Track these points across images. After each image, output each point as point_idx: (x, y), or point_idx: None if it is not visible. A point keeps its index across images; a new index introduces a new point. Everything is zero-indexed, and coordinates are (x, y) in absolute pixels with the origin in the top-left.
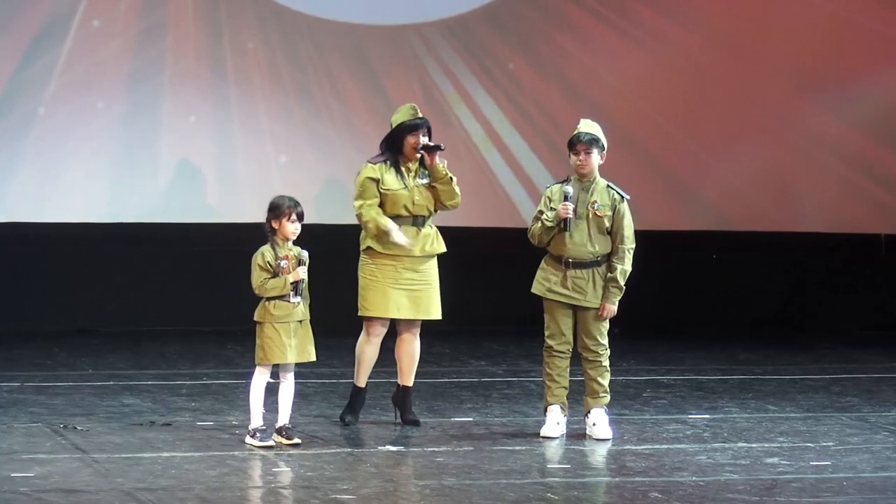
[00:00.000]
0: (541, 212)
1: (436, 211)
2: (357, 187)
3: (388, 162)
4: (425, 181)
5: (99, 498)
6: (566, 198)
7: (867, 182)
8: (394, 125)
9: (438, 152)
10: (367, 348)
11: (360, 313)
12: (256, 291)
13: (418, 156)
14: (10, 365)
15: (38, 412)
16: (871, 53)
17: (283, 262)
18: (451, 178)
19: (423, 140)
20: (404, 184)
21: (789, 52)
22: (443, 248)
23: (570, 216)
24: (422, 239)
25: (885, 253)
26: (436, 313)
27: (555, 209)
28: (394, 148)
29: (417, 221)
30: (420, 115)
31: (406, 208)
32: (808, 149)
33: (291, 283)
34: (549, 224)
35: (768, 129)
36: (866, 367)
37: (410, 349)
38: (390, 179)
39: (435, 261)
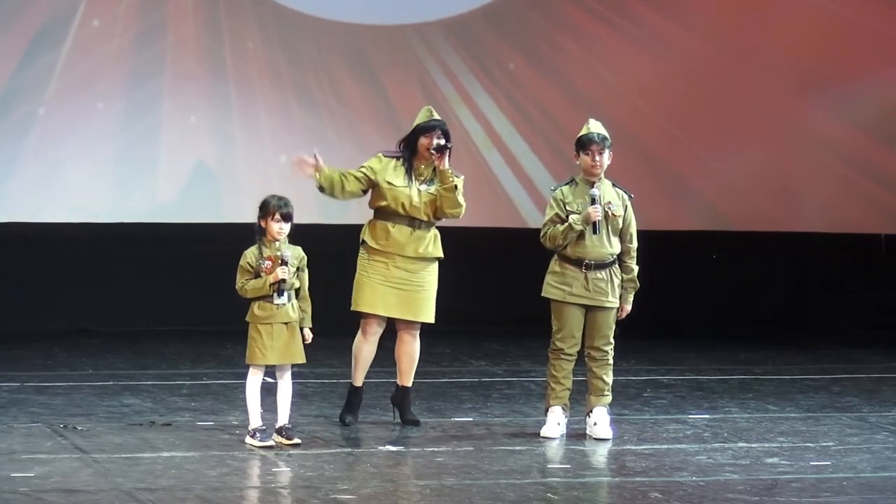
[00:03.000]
0: (557, 215)
1: (437, 218)
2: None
3: (402, 160)
4: (432, 188)
5: (99, 498)
6: (594, 201)
7: (867, 182)
8: (412, 127)
9: (448, 152)
10: (364, 347)
11: (351, 307)
12: (239, 292)
13: (432, 156)
14: (10, 365)
15: (38, 412)
16: (871, 53)
17: (265, 263)
18: (455, 186)
19: (437, 142)
20: (408, 183)
21: (790, 51)
22: (439, 253)
23: (600, 219)
24: (415, 241)
25: (885, 253)
26: (425, 316)
27: (572, 211)
28: (409, 149)
29: (413, 223)
30: (436, 117)
31: (403, 206)
32: (808, 149)
33: (272, 284)
34: (579, 227)
35: (768, 129)
36: (866, 367)
37: (410, 350)
38: (396, 176)
39: (433, 266)
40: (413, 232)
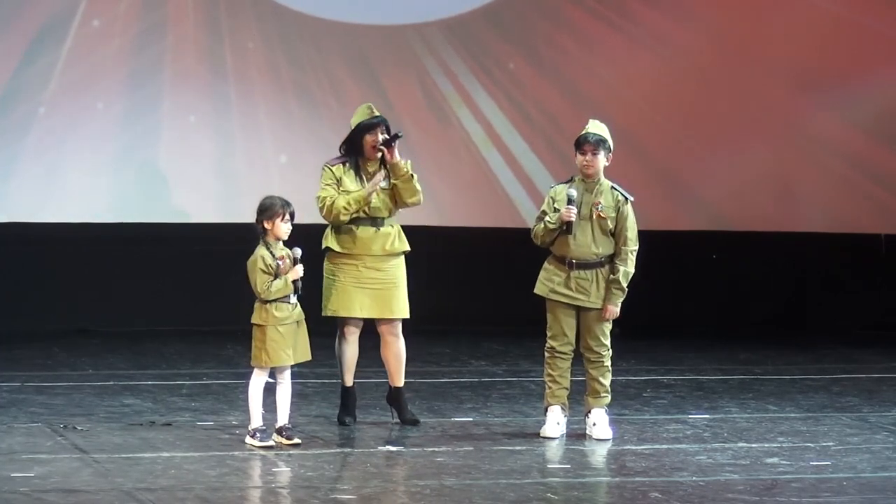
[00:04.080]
0: (544, 212)
1: (398, 209)
2: (321, 183)
3: (348, 164)
4: (384, 184)
5: (99, 498)
6: (570, 201)
7: (867, 182)
8: (352, 127)
9: (397, 143)
10: (347, 349)
11: (323, 314)
12: (262, 295)
13: (378, 154)
14: (10, 365)
15: (38, 412)
16: (871, 53)
17: (280, 263)
18: (411, 176)
19: (381, 137)
20: (360, 187)
21: (790, 52)
22: (405, 247)
23: (573, 219)
24: (381, 238)
25: (885, 253)
26: (400, 312)
27: (558, 210)
28: (353, 149)
29: (376, 222)
30: (376, 113)
31: (363, 210)
32: (808, 149)
33: (292, 283)
34: (551, 226)
35: (768, 129)
36: (866, 367)
37: (395, 350)
38: (348, 181)
39: (401, 260)
40: (377, 230)
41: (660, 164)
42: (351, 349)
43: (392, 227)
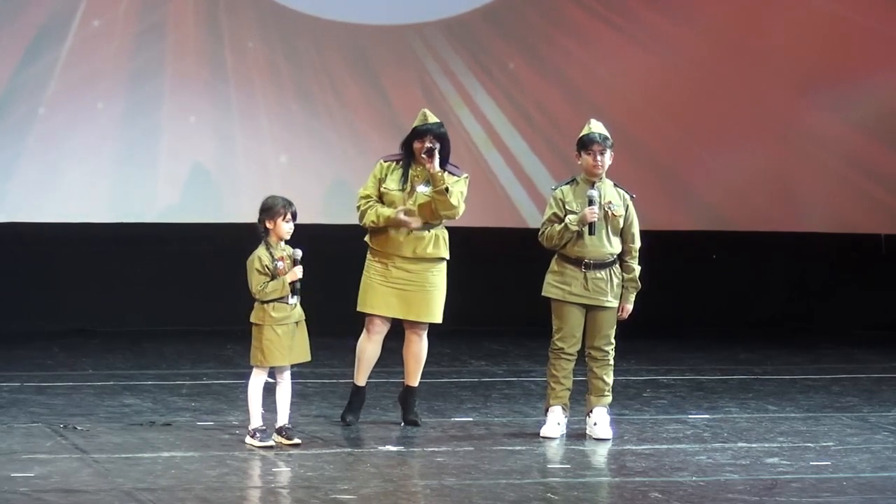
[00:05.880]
0: (555, 214)
1: (435, 219)
2: (369, 178)
3: (401, 162)
4: (427, 189)
5: (99, 498)
6: (591, 202)
7: (867, 182)
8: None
9: (435, 155)
10: (367, 347)
11: (357, 308)
12: (257, 296)
13: (423, 159)
14: (10, 365)
15: (38, 412)
16: (871, 53)
17: (279, 263)
18: (445, 189)
19: (427, 146)
20: (402, 187)
21: (789, 51)
22: (441, 254)
23: (597, 220)
24: (413, 241)
25: (885, 253)
26: (427, 316)
27: (571, 211)
28: (407, 152)
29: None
30: (429, 120)
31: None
32: (808, 149)
33: (290, 284)
34: (574, 228)
35: (768, 129)
36: (866, 367)
37: (415, 350)
38: (392, 182)
39: (438, 266)
40: (410, 232)
41: (660, 164)
42: (372, 347)
43: (430, 231)
